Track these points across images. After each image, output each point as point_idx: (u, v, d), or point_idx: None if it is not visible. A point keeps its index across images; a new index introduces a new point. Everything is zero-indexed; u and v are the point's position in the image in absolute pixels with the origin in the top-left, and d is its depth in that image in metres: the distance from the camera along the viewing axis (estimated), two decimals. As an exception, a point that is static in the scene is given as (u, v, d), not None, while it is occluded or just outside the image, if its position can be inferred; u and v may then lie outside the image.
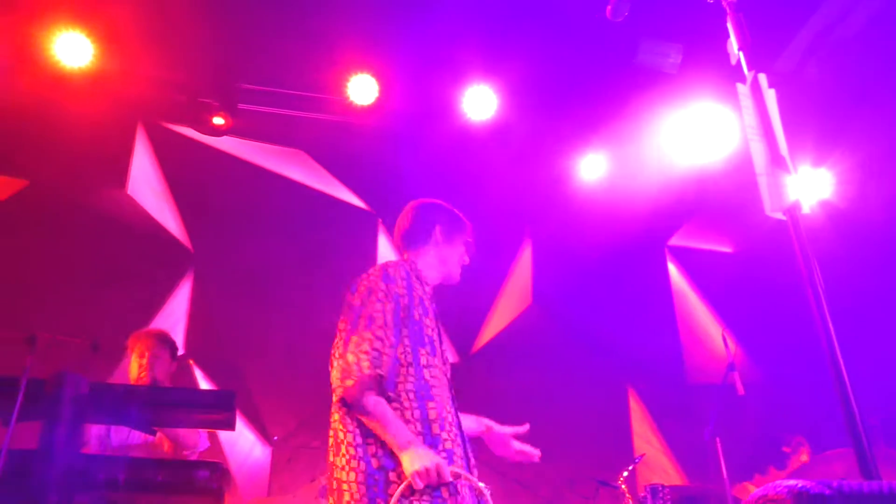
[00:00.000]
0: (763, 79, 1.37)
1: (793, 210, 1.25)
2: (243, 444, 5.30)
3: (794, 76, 5.09)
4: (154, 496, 3.25)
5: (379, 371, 2.22)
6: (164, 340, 3.81)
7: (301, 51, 5.23)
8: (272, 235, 5.69)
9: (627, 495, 4.15)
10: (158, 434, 3.53)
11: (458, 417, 2.39)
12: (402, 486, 2.11)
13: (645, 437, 6.19)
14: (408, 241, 2.60)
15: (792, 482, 0.68)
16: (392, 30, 5.09)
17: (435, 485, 2.11)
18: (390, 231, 6.19)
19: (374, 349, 2.25)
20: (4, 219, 5.23)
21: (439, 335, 2.46)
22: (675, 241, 6.87)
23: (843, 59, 5.02)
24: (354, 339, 2.29)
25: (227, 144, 5.81)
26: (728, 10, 1.43)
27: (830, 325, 1.14)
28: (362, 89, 5.35)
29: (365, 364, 2.23)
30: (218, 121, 5.40)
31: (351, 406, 2.27)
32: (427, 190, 5.74)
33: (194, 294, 5.59)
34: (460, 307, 5.92)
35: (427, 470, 2.08)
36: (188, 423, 3.50)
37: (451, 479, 2.13)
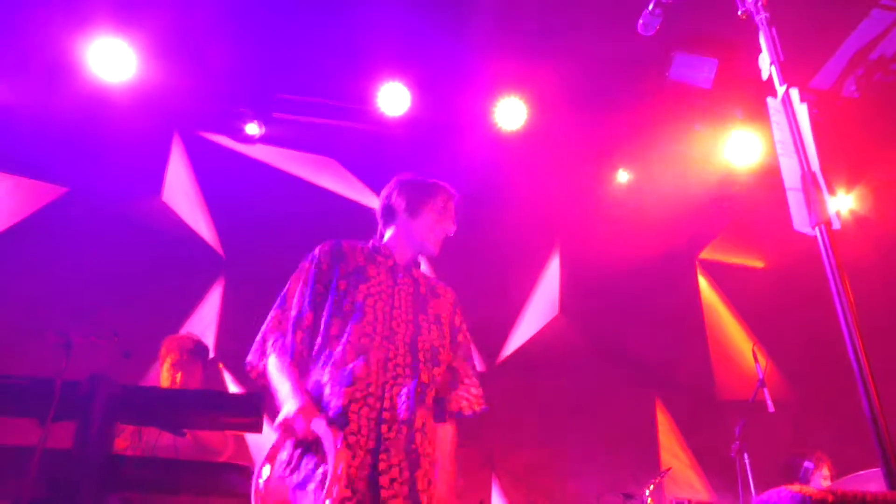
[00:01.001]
0: (795, 93, 1.37)
1: (823, 226, 1.24)
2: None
3: (832, 93, 5.03)
4: (183, 497, 3.31)
5: (272, 342, 2.38)
6: (197, 348, 3.86)
7: (334, 61, 5.29)
8: (302, 243, 5.70)
9: (654, 510, 4.11)
10: (188, 436, 3.58)
11: (381, 391, 2.24)
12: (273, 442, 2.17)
13: (672, 450, 6.12)
14: (380, 221, 2.70)
15: (795, 488, 0.68)
16: (424, 41, 5.13)
17: (292, 437, 2.12)
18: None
19: (274, 318, 2.45)
20: (44, 224, 5.37)
21: (392, 307, 2.39)
22: (706, 254, 6.80)
23: (882, 77, 4.95)
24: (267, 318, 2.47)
25: (260, 153, 5.90)
26: (760, 25, 1.43)
27: (860, 342, 1.14)
28: (393, 99, 5.40)
29: (261, 338, 2.44)
30: (252, 129, 5.50)
31: (252, 377, 2.43)
32: (460, 199, 5.79)
33: (225, 299, 5.67)
34: (488, 316, 5.92)
35: (280, 422, 2.12)
36: (217, 426, 3.56)
37: (301, 433, 2.09)
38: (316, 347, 2.34)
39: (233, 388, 5.38)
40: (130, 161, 5.47)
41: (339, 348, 2.27)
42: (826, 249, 1.23)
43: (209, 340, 5.49)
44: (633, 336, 5.99)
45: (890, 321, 5.39)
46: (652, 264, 6.19)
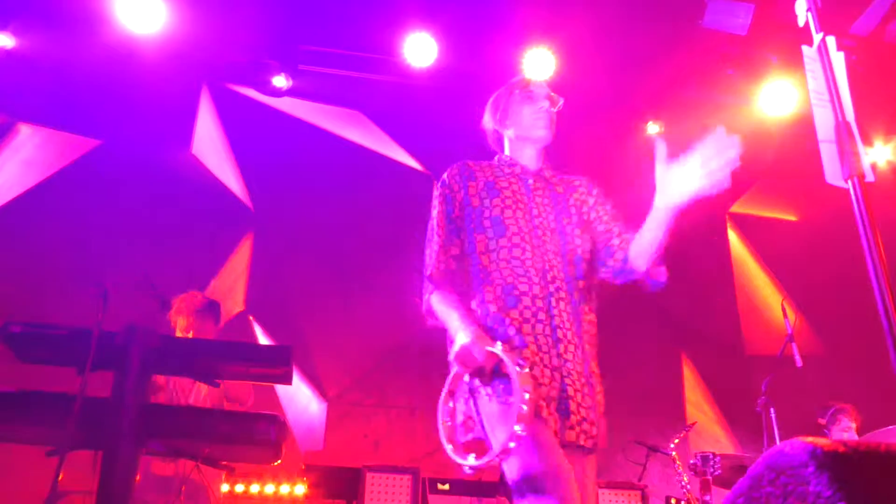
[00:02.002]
0: (832, 41, 1.32)
1: (856, 179, 1.21)
2: (300, 399, 5.47)
3: (873, 39, 4.85)
4: (216, 445, 3.40)
5: (432, 271, 2.30)
6: (209, 308, 3.91)
7: (359, 11, 5.23)
8: (329, 195, 5.77)
9: (678, 462, 4.14)
10: (220, 387, 3.67)
11: (547, 305, 2.11)
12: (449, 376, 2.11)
13: (698, 405, 6.13)
14: (495, 148, 2.59)
15: (807, 440, 0.68)
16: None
17: (469, 368, 2.01)
18: (446, 193, 6.23)
19: (428, 254, 2.35)
20: (78, 176, 5.45)
21: (531, 216, 2.25)
22: (737, 208, 6.69)
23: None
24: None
25: (287, 105, 5.89)
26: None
27: (891, 298, 1.12)
28: (420, 50, 5.33)
29: (422, 279, 2.35)
30: (279, 81, 5.49)
31: (428, 324, 2.35)
32: (486, 153, 5.75)
33: (254, 252, 5.74)
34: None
35: (457, 354, 2.02)
36: (248, 377, 3.64)
37: (480, 360, 1.97)
38: (471, 270, 2.26)
39: (262, 339, 5.48)
40: (160, 114, 5.50)
41: (493, 266, 2.20)
42: (858, 203, 1.20)
43: (238, 293, 5.58)
44: (661, 291, 5.96)
45: None
46: (681, 217, 6.10)
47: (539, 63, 5.41)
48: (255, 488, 4.71)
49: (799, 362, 3.70)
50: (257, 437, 3.03)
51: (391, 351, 5.63)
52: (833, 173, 1.24)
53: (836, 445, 0.66)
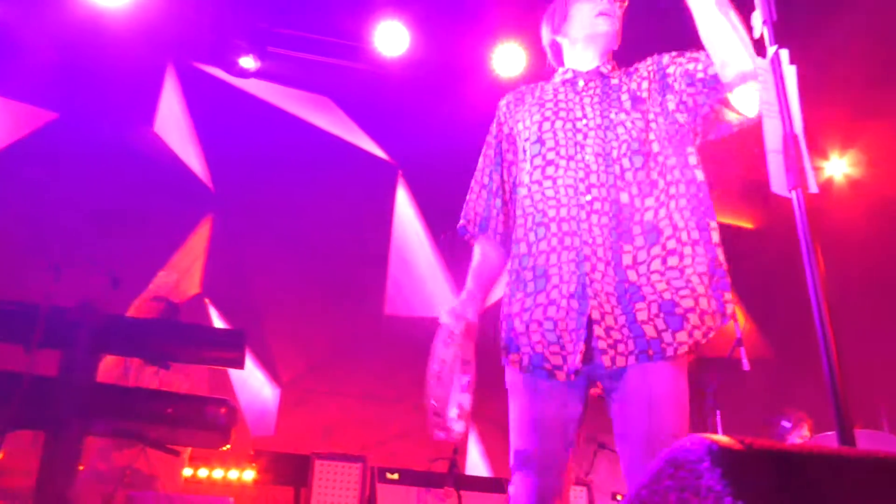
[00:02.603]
0: (784, 54, 1.36)
1: (799, 190, 1.25)
2: (253, 384, 5.44)
3: (840, 51, 4.96)
4: (164, 427, 3.36)
5: (462, 220, 2.20)
6: (166, 308, 3.88)
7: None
8: (293, 180, 5.73)
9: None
10: (172, 371, 3.62)
11: (575, 225, 1.86)
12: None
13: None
14: (556, 62, 2.29)
15: (706, 436, 0.71)
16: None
17: (449, 343, 1.92)
18: (409, 183, 6.24)
19: (468, 201, 2.22)
20: (33, 150, 5.32)
21: (575, 119, 1.99)
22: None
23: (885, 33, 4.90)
24: None
25: (254, 87, 5.82)
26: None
27: (826, 309, 1.16)
28: (391, 39, 5.32)
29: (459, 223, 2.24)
30: (246, 63, 5.42)
31: None
32: (451, 147, 5.75)
33: (213, 234, 5.67)
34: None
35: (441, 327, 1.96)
36: (200, 360, 3.60)
37: (448, 339, 1.92)
38: (514, 206, 2.07)
39: (218, 323, 5.43)
40: (123, 89, 5.39)
41: (526, 191, 1.98)
42: (801, 213, 1.24)
43: (195, 274, 5.52)
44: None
45: (880, 282, 5.51)
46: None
47: (510, 58, 5.43)
48: (202, 472, 4.67)
49: (746, 366, 3.79)
50: (207, 421, 3.01)
51: (348, 339, 5.62)
52: (779, 183, 1.28)
53: (732, 443, 0.69)
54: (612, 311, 1.78)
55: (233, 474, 4.75)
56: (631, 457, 1.75)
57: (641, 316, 1.76)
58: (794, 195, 1.24)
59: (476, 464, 5.66)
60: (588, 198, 1.87)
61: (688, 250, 1.82)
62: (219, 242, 5.65)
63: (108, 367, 3.51)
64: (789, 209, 1.29)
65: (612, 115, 1.96)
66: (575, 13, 2.15)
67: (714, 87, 1.85)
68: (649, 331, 1.75)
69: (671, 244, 1.82)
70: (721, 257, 1.86)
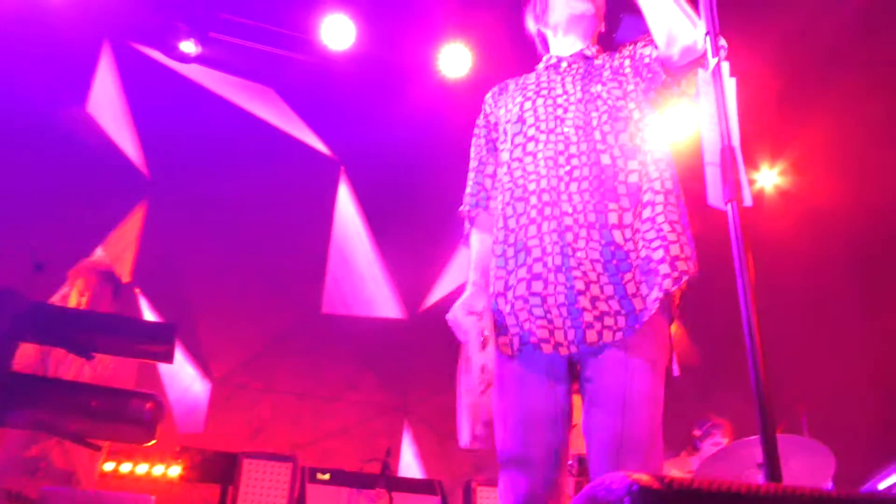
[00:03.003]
0: (726, 67, 1.38)
1: (735, 203, 1.27)
2: (183, 378, 5.29)
3: (770, 62, 5.13)
4: (86, 420, 3.23)
5: (464, 205, 2.16)
6: (109, 277, 3.70)
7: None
8: (232, 170, 5.60)
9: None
10: (95, 363, 3.48)
11: (556, 195, 1.83)
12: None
13: (578, 408, 6.33)
14: (543, 49, 2.29)
15: (627, 474, 0.70)
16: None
17: (484, 344, 1.84)
18: (352, 179, 6.17)
19: (467, 189, 2.19)
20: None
21: (556, 96, 1.99)
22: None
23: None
24: None
25: (195, 73, 5.66)
26: (700, -4, 1.44)
27: (755, 320, 1.18)
28: (338, 33, 5.25)
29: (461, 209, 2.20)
30: (187, 47, 5.27)
31: None
32: (396, 145, 5.72)
33: (146, 221, 5.49)
34: (416, 264, 5.94)
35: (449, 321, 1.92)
36: (127, 352, 3.47)
37: (462, 336, 1.86)
38: (498, 186, 2.04)
39: (148, 314, 5.26)
40: (55, 66, 5.17)
41: (505, 170, 1.96)
42: (735, 226, 1.26)
43: (126, 263, 5.33)
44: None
45: (810, 290, 5.73)
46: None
47: (456, 59, 5.43)
48: (125, 467, 4.52)
49: (676, 371, 3.87)
50: (131, 415, 2.90)
51: (283, 335, 5.53)
52: (715, 195, 1.30)
53: (653, 482, 0.69)
54: (598, 280, 1.74)
55: (157, 470, 4.61)
56: (598, 461, 1.75)
57: (631, 289, 1.74)
58: (729, 208, 1.27)
59: (409, 465, 5.64)
60: (567, 168, 1.85)
61: (660, 198, 1.82)
62: (152, 230, 5.47)
63: (24, 356, 3.36)
64: (723, 218, 1.31)
65: (593, 89, 1.97)
66: (553, 1, 2.17)
67: (658, 70, 1.91)
68: (637, 303, 1.74)
69: (647, 196, 1.83)
70: (670, 199, 1.86)
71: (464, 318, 1.89)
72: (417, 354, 5.43)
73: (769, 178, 6.23)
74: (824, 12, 4.88)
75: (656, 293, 1.71)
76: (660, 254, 1.74)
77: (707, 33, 1.39)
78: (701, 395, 5.50)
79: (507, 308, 1.83)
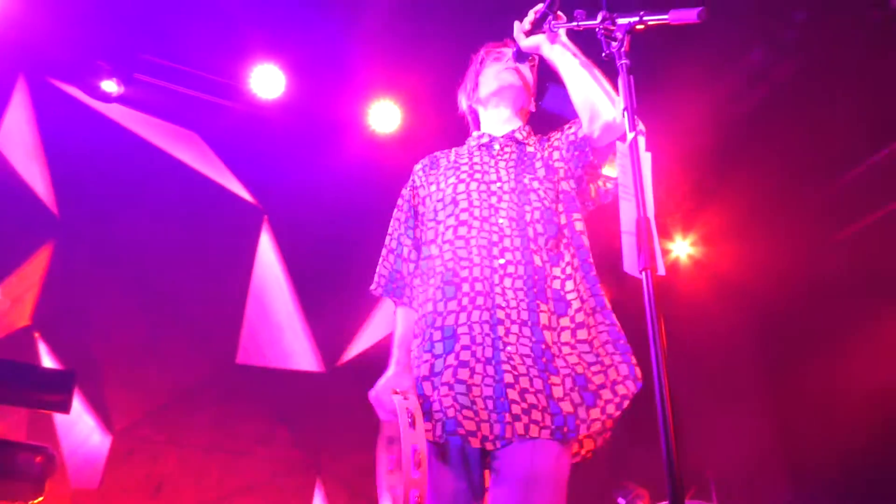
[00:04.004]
0: (642, 140, 1.44)
1: (649, 271, 1.31)
2: (81, 429, 4.98)
3: (682, 137, 5.43)
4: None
5: (375, 283, 2.16)
6: None
7: (208, 29, 5.06)
8: (149, 215, 5.43)
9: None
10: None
11: (489, 286, 1.83)
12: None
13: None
14: (473, 126, 2.32)
15: None
16: (306, 25, 5.02)
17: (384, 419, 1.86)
18: (275, 229, 6.07)
19: (379, 266, 2.20)
20: None
21: (490, 182, 2.00)
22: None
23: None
24: None
25: (116, 113, 5.52)
26: (620, 71, 1.50)
27: (666, 380, 1.20)
28: (268, 81, 5.24)
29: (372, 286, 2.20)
30: (108, 86, 5.15)
31: None
32: (321, 197, 5.69)
33: (52, 262, 5.23)
34: (337, 317, 5.86)
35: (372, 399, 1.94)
36: (21, 401, 3.27)
37: (384, 415, 1.86)
38: (425, 266, 2.02)
39: (47, 361, 4.97)
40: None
41: (437, 250, 1.95)
42: (649, 294, 1.29)
43: (27, 305, 5.05)
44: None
45: (720, 351, 5.95)
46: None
47: (385, 115, 5.50)
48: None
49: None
50: (18, 470, 2.71)
51: (194, 386, 5.31)
52: (630, 263, 1.34)
53: None
54: (528, 373, 1.75)
55: (44, 530, 4.28)
56: None
57: (557, 392, 1.75)
58: (643, 276, 1.30)
59: (319, 524, 5.45)
60: (502, 261, 1.86)
61: (591, 321, 1.86)
62: (58, 272, 5.21)
63: None
64: (639, 285, 1.35)
65: (526, 181, 1.99)
66: (484, 76, 2.23)
67: (584, 148, 1.97)
68: (566, 406, 1.74)
69: (580, 317, 1.85)
70: (616, 321, 1.91)
71: (388, 396, 1.86)
72: (334, 409, 5.31)
73: (683, 248, 6.52)
74: (729, 102, 5.30)
75: (598, 414, 1.76)
76: (601, 378, 1.79)
77: (625, 109, 1.45)
78: (615, 456, 5.56)
79: (435, 394, 1.81)
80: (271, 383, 5.58)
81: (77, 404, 4.68)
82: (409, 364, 1.99)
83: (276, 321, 5.89)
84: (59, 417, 4.73)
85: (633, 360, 1.85)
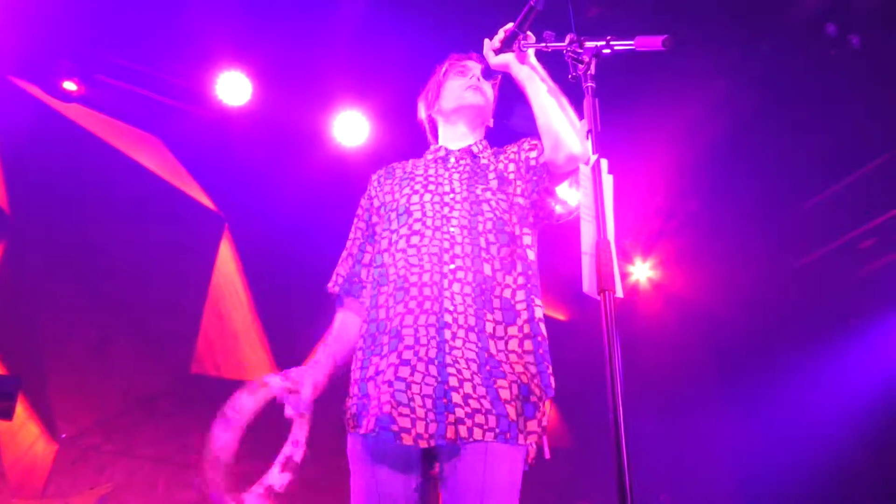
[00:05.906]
0: (604, 163, 1.45)
1: (607, 292, 1.31)
2: (25, 437, 4.82)
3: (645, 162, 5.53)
4: None
5: (330, 284, 2.18)
6: None
7: (178, 36, 5.00)
8: (106, 217, 5.31)
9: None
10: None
11: (439, 291, 1.86)
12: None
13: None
14: (432, 138, 2.34)
15: None
16: (270, 41, 5.01)
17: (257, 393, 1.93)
18: (235, 237, 5.99)
19: (337, 267, 2.21)
20: None
21: (443, 193, 2.02)
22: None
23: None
24: None
25: (76, 113, 5.40)
26: (585, 93, 1.51)
27: (621, 410, 1.20)
28: (233, 88, 5.19)
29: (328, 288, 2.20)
30: (69, 86, 5.05)
31: None
32: (284, 207, 5.63)
33: (3, 263, 5.08)
34: (293, 326, 5.79)
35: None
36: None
37: (256, 390, 1.89)
38: (376, 273, 2.04)
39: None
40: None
41: (389, 259, 1.98)
42: (606, 316, 1.30)
43: (-28, 307, 4.89)
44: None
45: (673, 368, 6.03)
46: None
47: (350, 126, 5.48)
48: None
49: (547, 454, 3.90)
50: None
51: (146, 395, 5.18)
52: (589, 285, 1.34)
53: None
54: (472, 379, 1.77)
55: (-19, 542, 4.13)
56: None
57: (504, 395, 1.78)
58: (602, 297, 1.31)
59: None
60: (452, 267, 1.89)
61: (536, 330, 1.88)
62: (7, 273, 5.06)
63: None
64: (598, 306, 1.36)
65: (479, 192, 2.03)
66: (446, 89, 2.24)
67: (542, 174, 1.99)
68: (511, 412, 1.76)
69: (527, 328, 1.87)
70: (543, 330, 1.92)
71: (277, 381, 1.91)
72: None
73: (643, 271, 6.61)
74: (693, 129, 5.42)
75: (535, 426, 1.80)
76: (538, 391, 1.83)
77: (589, 131, 1.46)
78: (571, 478, 5.58)
79: (375, 392, 1.84)
80: (226, 395, 5.47)
81: (21, 411, 4.54)
82: (323, 365, 2.03)
83: (233, 330, 5.79)
84: (1, 424, 4.57)
85: (550, 371, 1.89)
